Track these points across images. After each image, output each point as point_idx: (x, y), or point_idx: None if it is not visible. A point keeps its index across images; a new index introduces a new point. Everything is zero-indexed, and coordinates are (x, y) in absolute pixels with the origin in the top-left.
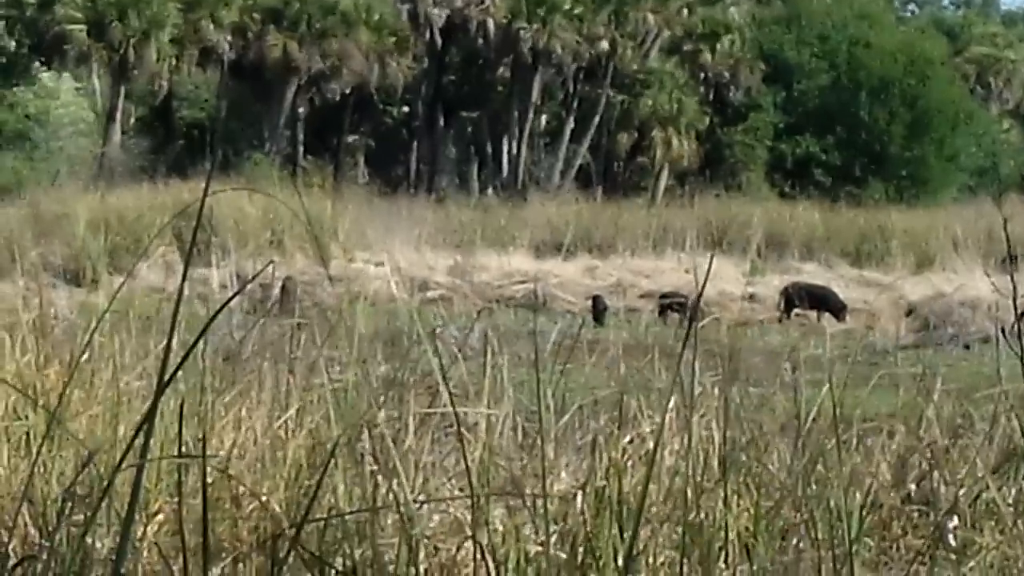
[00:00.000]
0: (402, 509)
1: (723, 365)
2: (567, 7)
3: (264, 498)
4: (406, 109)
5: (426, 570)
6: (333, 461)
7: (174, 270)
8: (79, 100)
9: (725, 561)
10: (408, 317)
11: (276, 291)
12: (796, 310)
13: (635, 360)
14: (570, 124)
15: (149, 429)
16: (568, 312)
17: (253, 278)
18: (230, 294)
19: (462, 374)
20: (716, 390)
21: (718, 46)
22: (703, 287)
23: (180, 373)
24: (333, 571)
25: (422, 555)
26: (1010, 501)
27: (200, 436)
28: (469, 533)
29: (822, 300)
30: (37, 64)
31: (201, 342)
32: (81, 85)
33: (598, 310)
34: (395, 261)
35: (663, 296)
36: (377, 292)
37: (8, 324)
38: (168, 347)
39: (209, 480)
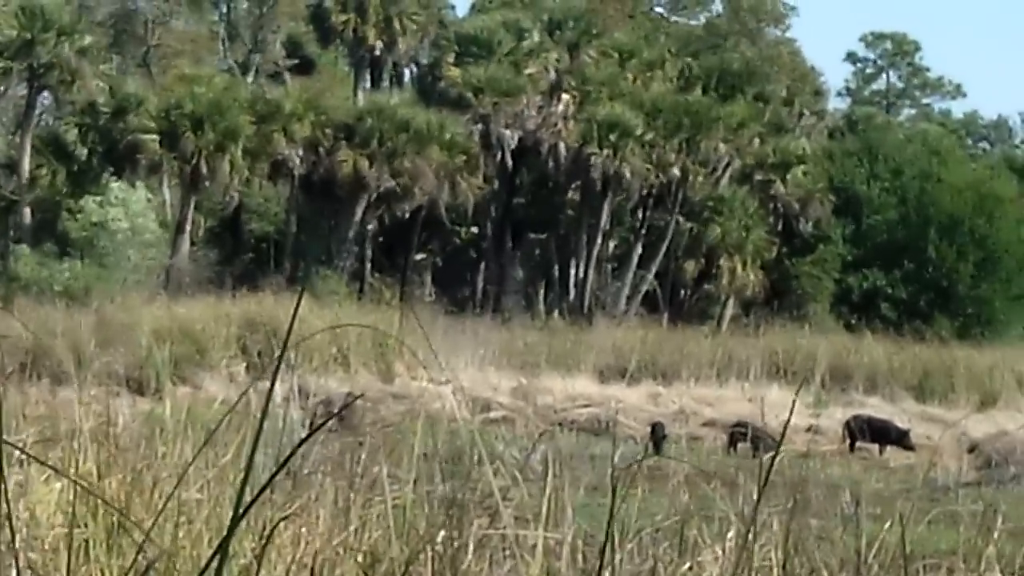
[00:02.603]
0: None
1: (786, 496)
2: (639, 133)
3: None
4: (475, 229)
5: None
6: None
7: (238, 382)
8: (147, 210)
9: None
10: (469, 437)
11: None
12: (859, 443)
13: (696, 488)
14: (638, 249)
15: (225, 552)
16: (630, 438)
17: (350, 402)
18: (293, 409)
19: (522, 496)
20: (776, 522)
21: (789, 176)
22: (788, 420)
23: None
24: None
25: None
26: None
27: (259, 551)
28: None
29: (884, 433)
30: (108, 173)
31: (260, 456)
32: (152, 196)
33: (657, 437)
34: (459, 380)
35: (734, 426)
36: (440, 411)
37: (71, 432)
38: (248, 469)
39: None
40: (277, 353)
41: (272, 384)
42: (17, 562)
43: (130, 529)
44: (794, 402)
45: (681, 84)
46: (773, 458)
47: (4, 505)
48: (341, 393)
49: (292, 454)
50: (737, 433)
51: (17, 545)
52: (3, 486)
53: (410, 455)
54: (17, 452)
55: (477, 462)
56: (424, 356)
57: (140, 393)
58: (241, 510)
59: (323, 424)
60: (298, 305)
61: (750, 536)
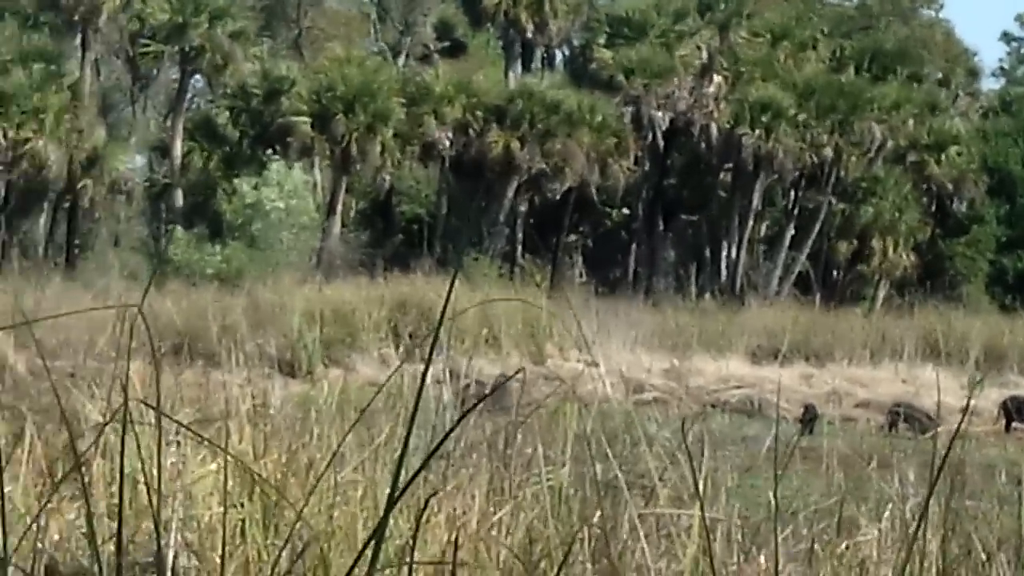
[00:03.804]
0: None
1: (944, 477)
2: (791, 114)
3: None
4: (626, 211)
5: None
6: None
7: (389, 363)
8: (303, 193)
9: None
10: (623, 418)
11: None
12: (1015, 424)
13: (851, 469)
14: (790, 230)
15: (381, 532)
16: (783, 419)
17: (505, 382)
18: (445, 390)
19: (676, 477)
20: (935, 503)
21: (943, 157)
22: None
23: (391, 466)
24: None
25: None
26: None
27: (413, 533)
28: None
29: None
30: (270, 152)
31: (414, 437)
32: (307, 179)
33: (808, 418)
34: (611, 362)
35: (893, 406)
36: (592, 392)
37: (226, 413)
38: (404, 450)
39: None
40: (428, 335)
41: (426, 366)
42: (174, 540)
43: (285, 509)
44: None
45: (834, 65)
46: (937, 440)
47: (162, 484)
48: (492, 374)
49: (449, 433)
50: (895, 413)
51: (174, 524)
52: (160, 465)
53: (564, 436)
54: (173, 433)
55: (631, 443)
56: (576, 337)
57: (292, 375)
58: (397, 491)
59: (477, 404)
60: (452, 286)
61: (916, 517)
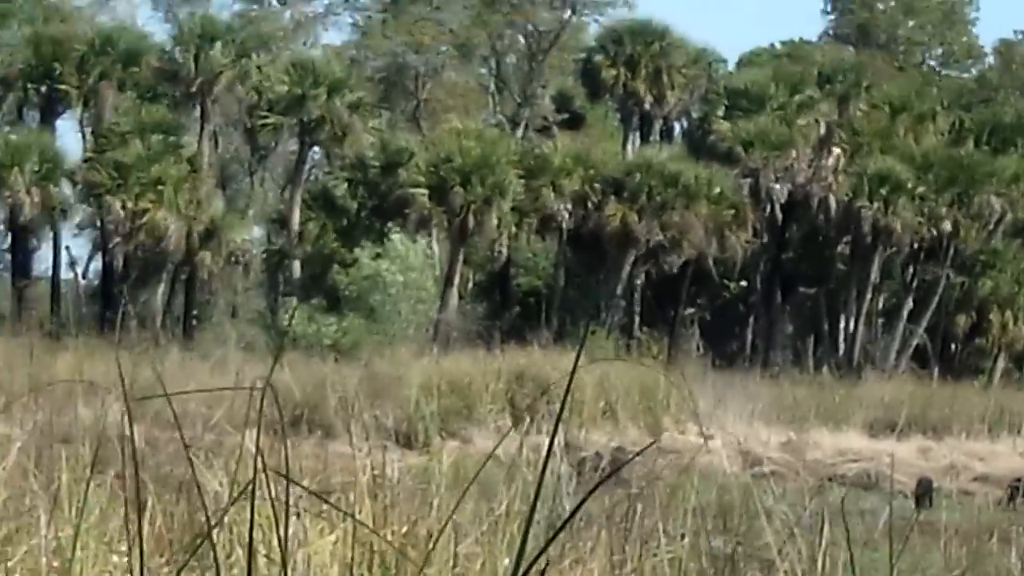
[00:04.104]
0: None
1: None
2: (910, 186)
3: None
4: (744, 283)
5: None
6: None
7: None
8: (423, 266)
9: None
10: (740, 492)
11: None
12: None
13: (970, 543)
14: (908, 303)
15: None
16: (901, 493)
17: (632, 458)
18: (562, 463)
19: (795, 551)
20: None
21: None
22: None
23: (510, 538)
24: None
25: None
26: None
27: None
28: None
29: None
30: (386, 226)
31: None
32: (427, 252)
33: (922, 492)
34: (728, 435)
35: (1015, 481)
36: (709, 465)
37: (344, 484)
38: (529, 524)
39: None
40: (544, 407)
41: (551, 440)
42: None
43: None
44: None
45: (953, 137)
46: None
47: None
48: (609, 447)
49: (576, 511)
50: (1014, 488)
51: None
52: (284, 535)
53: (682, 509)
54: (294, 504)
55: (749, 516)
56: (692, 410)
57: (408, 447)
58: (522, 566)
59: (603, 481)
60: (577, 361)
61: None
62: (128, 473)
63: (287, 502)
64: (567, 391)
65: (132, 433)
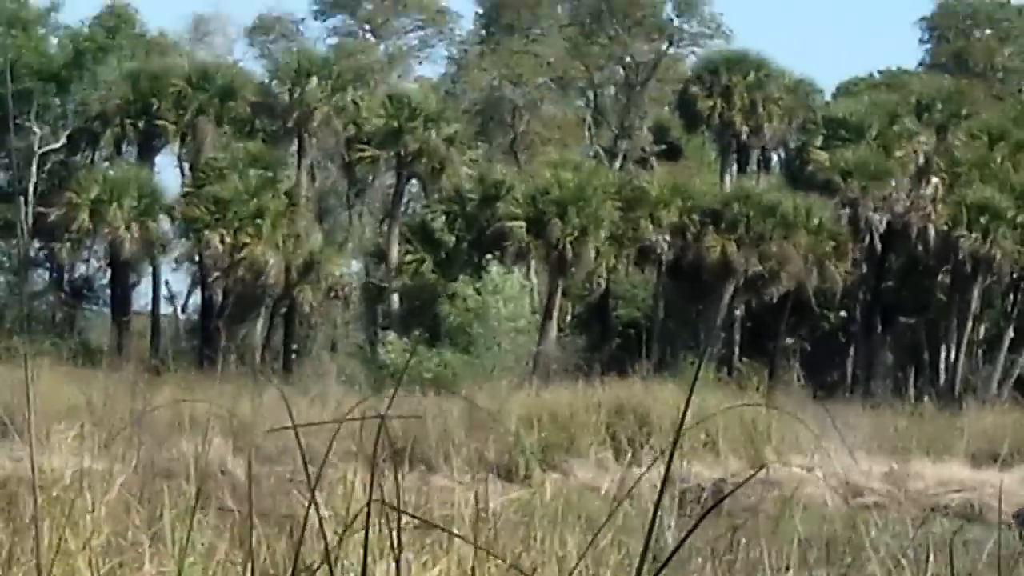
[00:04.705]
0: None
1: None
2: (1010, 215)
3: None
4: (843, 313)
5: None
6: None
7: (606, 468)
8: (521, 296)
9: None
10: (843, 523)
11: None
12: None
13: None
14: (1009, 333)
15: None
16: (1005, 524)
17: (736, 488)
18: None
19: None
20: None
21: None
22: None
23: (613, 571)
24: None
25: None
26: None
27: None
28: None
29: None
30: (485, 258)
31: (631, 543)
32: (524, 283)
33: (1022, 523)
34: (829, 466)
35: None
36: (810, 496)
37: (445, 518)
38: (643, 559)
39: None
40: (645, 440)
41: (666, 475)
42: None
43: None
44: None
45: None
46: None
47: None
48: (711, 478)
49: (684, 540)
50: None
51: None
52: (398, 567)
53: (785, 540)
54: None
55: (852, 548)
56: (793, 441)
57: (509, 480)
58: None
59: (709, 511)
60: (689, 401)
61: None
62: (233, 506)
63: (399, 533)
64: (679, 429)
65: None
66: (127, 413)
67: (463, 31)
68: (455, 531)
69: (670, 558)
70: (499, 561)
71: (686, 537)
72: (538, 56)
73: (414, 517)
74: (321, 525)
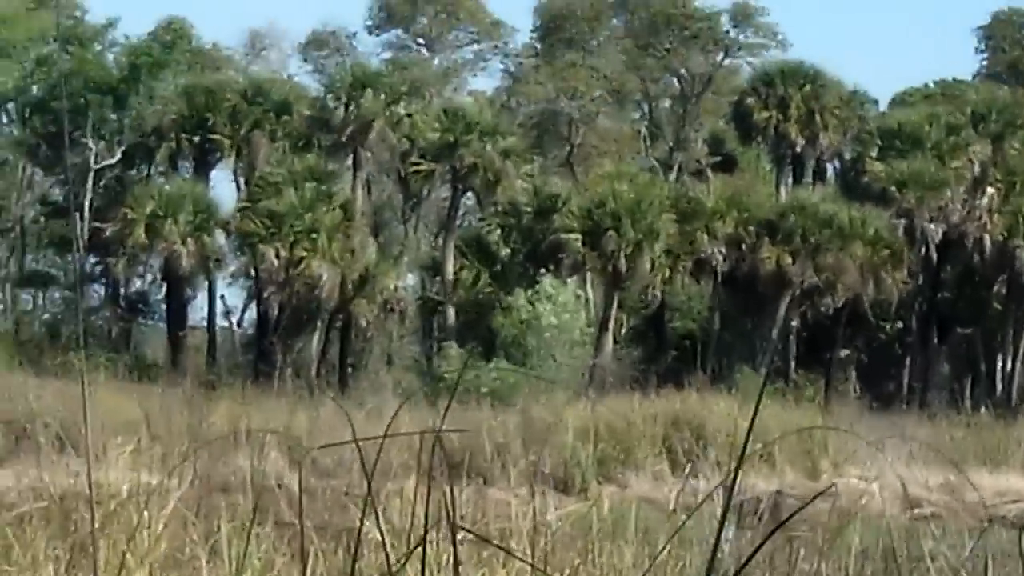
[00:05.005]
0: None
1: None
2: None
3: None
4: (899, 324)
5: None
6: None
7: (663, 480)
8: (576, 308)
9: None
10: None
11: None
12: None
13: None
14: None
15: None
16: None
17: (805, 505)
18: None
19: None
20: None
21: None
22: None
23: None
24: None
25: None
26: None
27: None
28: None
29: None
30: (539, 271)
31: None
32: (579, 294)
33: None
34: (886, 477)
35: None
36: (867, 508)
37: (503, 531)
38: (709, 571)
39: None
40: (702, 452)
41: (731, 492)
42: None
43: None
44: None
45: None
46: None
47: None
48: (767, 491)
49: (748, 560)
50: None
51: None
52: None
53: (844, 552)
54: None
55: (911, 559)
56: (850, 452)
57: (565, 492)
58: None
59: (780, 526)
60: (754, 417)
61: None
62: (289, 521)
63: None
64: (745, 446)
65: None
66: (184, 428)
67: (517, 44)
68: (512, 545)
69: (739, 572)
70: (557, 574)
71: (752, 556)
72: (594, 69)
73: (470, 532)
74: (384, 540)
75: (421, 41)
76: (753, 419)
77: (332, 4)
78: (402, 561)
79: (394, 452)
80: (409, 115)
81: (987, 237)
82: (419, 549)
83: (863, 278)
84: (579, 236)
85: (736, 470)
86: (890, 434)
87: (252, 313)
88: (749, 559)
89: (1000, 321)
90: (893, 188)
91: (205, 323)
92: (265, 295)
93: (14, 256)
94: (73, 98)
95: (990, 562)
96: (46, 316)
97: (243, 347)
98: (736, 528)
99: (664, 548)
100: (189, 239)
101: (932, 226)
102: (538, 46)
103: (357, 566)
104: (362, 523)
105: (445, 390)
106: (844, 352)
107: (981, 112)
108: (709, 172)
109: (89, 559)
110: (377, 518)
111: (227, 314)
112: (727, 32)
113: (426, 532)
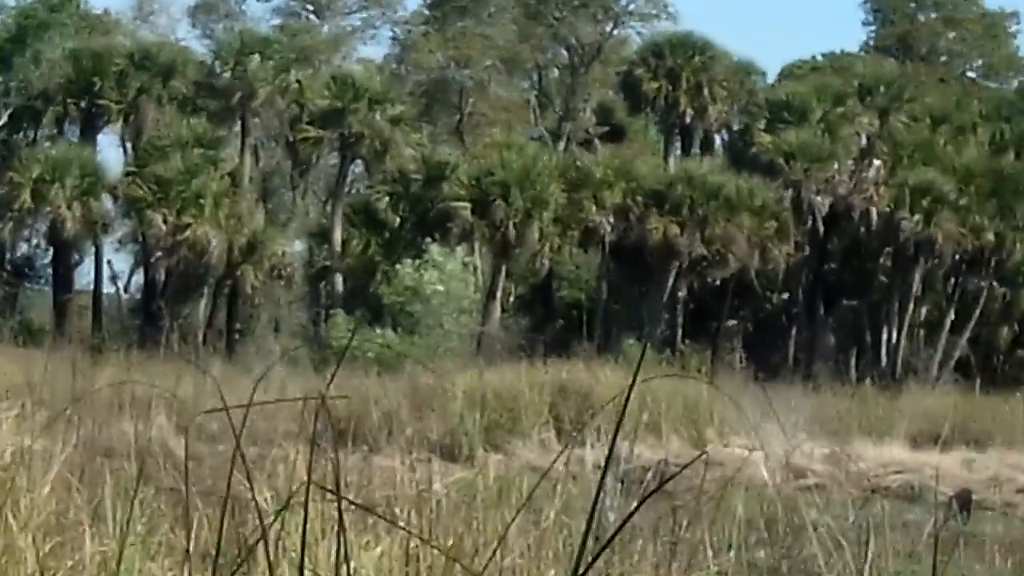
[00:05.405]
0: None
1: None
2: (952, 198)
3: None
4: (786, 295)
5: None
6: None
7: (549, 448)
8: (464, 276)
9: None
10: (784, 504)
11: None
12: None
13: (1014, 556)
14: (950, 315)
15: None
16: (944, 504)
17: (681, 469)
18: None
19: (840, 563)
20: None
21: None
22: None
23: (556, 551)
24: None
25: None
26: None
27: None
28: None
29: None
30: (428, 240)
31: (574, 522)
32: (467, 262)
33: (961, 503)
34: (771, 447)
35: None
36: (752, 478)
37: (388, 498)
38: (586, 537)
39: None
40: (588, 420)
41: (609, 456)
42: None
43: None
44: None
45: (994, 149)
46: None
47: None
48: (653, 460)
49: (624, 524)
50: None
51: None
52: (339, 549)
53: (727, 522)
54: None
55: (794, 529)
56: (735, 422)
57: (452, 460)
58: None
59: (656, 490)
60: (632, 384)
61: None
62: (174, 486)
63: (340, 515)
64: (623, 411)
65: (186, 450)
66: (69, 393)
67: (407, 12)
68: (396, 513)
69: (612, 538)
70: (441, 541)
71: (628, 518)
72: (486, 38)
73: (352, 503)
74: (257, 506)
75: (310, 7)
76: (631, 386)
77: None
78: (274, 518)
79: (280, 419)
80: (298, 82)
81: (873, 210)
82: (301, 514)
83: (750, 249)
84: (468, 205)
85: (614, 436)
86: (775, 404)
87: (139, 278)
88: (626, 520)
89: (885, 293)
90: (781, 160)
91: (92, 288)
92: (152, 260)
93: None
94: None
95: (871, 532)
96: None
97: (130, 312)
98: (623, 498)
99: (509, 501)
100: (75, 203)
101: (819, 198)
102: (427, 12)
103: (240, 531)
104: (229, 486)
105: (332, 357)
106: (731, 323)
107: (868, 85)
108: (597, 142)
109: None
110: (250, 479)
111: (114, 279)
112: (617, 1)
113: (307, 496)
